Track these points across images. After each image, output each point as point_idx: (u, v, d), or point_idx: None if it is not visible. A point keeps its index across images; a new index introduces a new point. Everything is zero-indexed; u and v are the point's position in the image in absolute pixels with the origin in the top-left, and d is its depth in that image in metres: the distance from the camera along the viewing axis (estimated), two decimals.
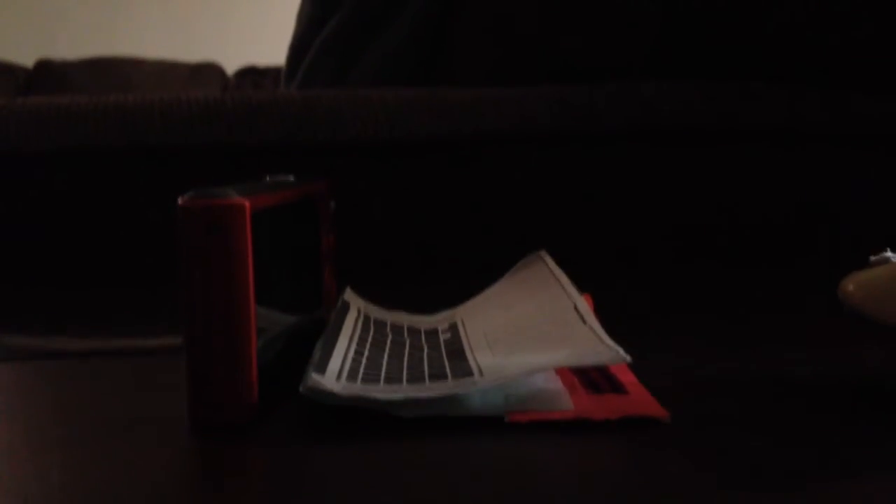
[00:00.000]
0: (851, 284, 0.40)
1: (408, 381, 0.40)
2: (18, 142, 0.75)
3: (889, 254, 0.41)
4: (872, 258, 0.41)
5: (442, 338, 0.49)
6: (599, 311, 0.46)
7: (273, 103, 0.78)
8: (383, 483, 0.31)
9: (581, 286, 0.50)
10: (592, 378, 0.42)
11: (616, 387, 0.41)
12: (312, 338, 0.45)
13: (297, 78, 0.99)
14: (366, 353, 0.44)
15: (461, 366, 0.42)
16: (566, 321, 0.46)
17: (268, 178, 0.49)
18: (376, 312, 0.54)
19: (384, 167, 0.78)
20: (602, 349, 0.40)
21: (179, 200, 0.36)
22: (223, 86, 3.42)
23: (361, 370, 0.41)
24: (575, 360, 0.40)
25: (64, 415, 0.40)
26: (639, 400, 0.39)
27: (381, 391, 0.38)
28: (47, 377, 0.47)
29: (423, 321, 0.54)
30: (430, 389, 0.38)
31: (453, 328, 0.51)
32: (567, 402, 0.38)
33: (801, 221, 0.82)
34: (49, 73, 3.32)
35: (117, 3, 3.69)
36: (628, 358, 0.39)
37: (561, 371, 0.42)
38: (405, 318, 0.54)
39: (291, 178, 0.49)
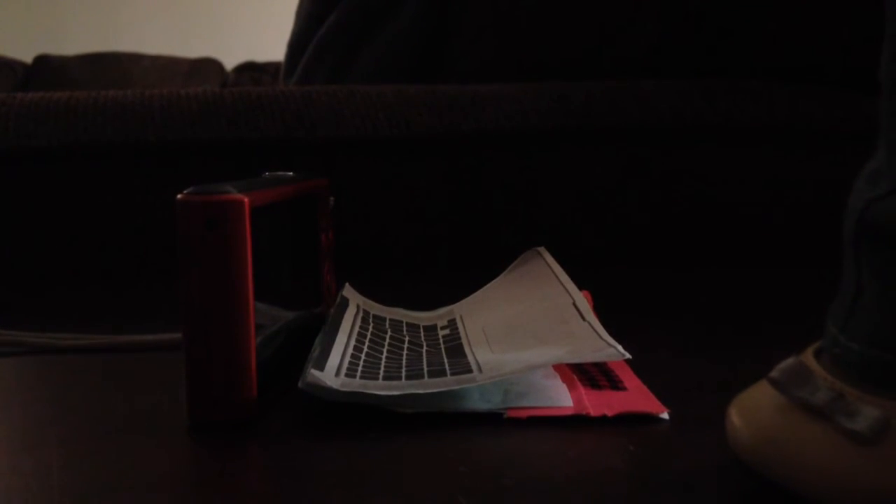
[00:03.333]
0: (736, 414, 0.29)
1: (407, 377, 0.40)
2: (17, 137, 0.75)
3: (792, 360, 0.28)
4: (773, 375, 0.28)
5: (441, 334, 0.49)
6: (598, 309, 0.46)
7: (272, 99, 0.78)
8: (382, 479, 0.31)
9: (580, 284, 0.50)
10: (591, 374, 0.42)
11: (615, 383, 0.41)
12: (311, 334, 0.45)
13: (296, 74, 0.99)
14: (364, 349, 0.44)
15: (460, 362, 0.42)
16: (565, 318, 0.46)
17: (267, 174, 0.49)
18: (375, 309, 0.54)
19: (383, 163, 0.78)
20: (601, 346, 0.40)
21: (178, 196, 0.36)
22: (222, 81, 3.42)
23: (360, 366, 0.41)
24: (574, 357, 0.40)
25: (63, 411, 0.40)
26: (638, 397, 0.39)
27: (380, 387, 0.38)
28: (47, 372, 0.47)
29: (422, 317, 0.54)
30: (429, 385, 0.38)
31: (452, 324, 0.51)
32: (566, 399, 0.38)
33: (802, 221, 0.82)
34: (48, 69, 3.32)
35: None
36: (627, 355, 0.39)
37: (560, 367, 0.42)
38: (404, 315, 0.54)
39: (290, 174, 0.49)
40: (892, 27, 0.29)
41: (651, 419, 0.37)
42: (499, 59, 0.90)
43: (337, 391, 0.37)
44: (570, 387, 0.40)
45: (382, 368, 0.41)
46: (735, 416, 0.29)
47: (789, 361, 0.29)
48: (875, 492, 0.25)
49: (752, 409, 0.28)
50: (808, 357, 0.29)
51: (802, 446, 0.26)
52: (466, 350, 0.45)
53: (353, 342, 0.44)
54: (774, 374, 0.28)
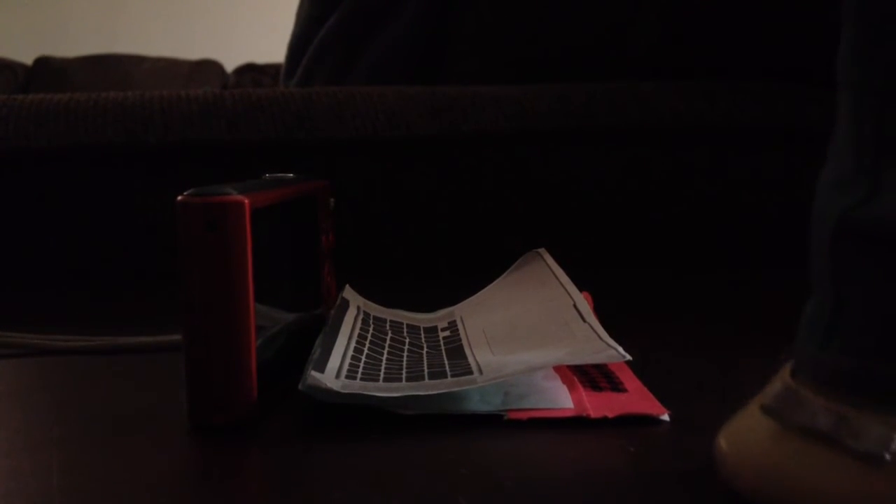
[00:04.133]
0: (728, 446, 0.28)
1: (407, 378, 0.40)
2: (17, 139, 0.75)
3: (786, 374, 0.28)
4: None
5: (441, 335, 0.49)
6: (599, 310, 0.46)
7: (273, 101, 0.78)
8: (383, 481, 0.31)
9: (580, 285, 0.50)
10: (591, 376, 0.42)
11: (615, 385, 0.41)
12: (312, 335, 0.45)
13: (296, 75, 0.99)
14: (365, 350, 0.44)
15: (460, 363, 0.42)
16: (565, 319, 0.46)
17: (267, 176, 0.49)
18: (375, 310, 0.54)
19: (383, 164, 0.78)
20: (601, 347, 0.40)
21: (179, 197, 0.36)
22: (223, 83, 3.42)
23: (361, 368, 0.41)
24: (574, 358, 0.40)
25: (64, 412, 0.40)
26: (638, 398, 0.39)
27: (381, 389, 0.38)
28: (47, 374, 0.47)
29: (423, 319, 0.54)
30: (429, 387, 0.38)
31: (452, 326, 0.51)
32: (566, 400, 0.38)
33: (802, 221, 0.82)
34: (48, 71, 3.32)
35: (117, 1, 3.68)
36: (627, 356, 0.39)
37: (560, 369, 0.42)
38: (404, 316, 0.54)
39: (291, 175, 0.49)
40: (848, 28, 0.28)
41: (651, 421, 0.37)
42: (499, 60, 0.90)
43: (337, 393, 0.37)
44: (571, 388, 0.40)
45: (383, 370, 0.41)
46: (728, 448, 0.28)
47: (778, 386, 0.28)
48: None
49: (746, 440, 0.27)
50: (787, 379, 0.28)
51: (808, 474, 0.25)
52: (467, 351, 0.44)
53: (353, 344, 0.44)
54: (768, 401, 0.27)
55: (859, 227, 0.26)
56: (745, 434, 0.27)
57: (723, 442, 0.28)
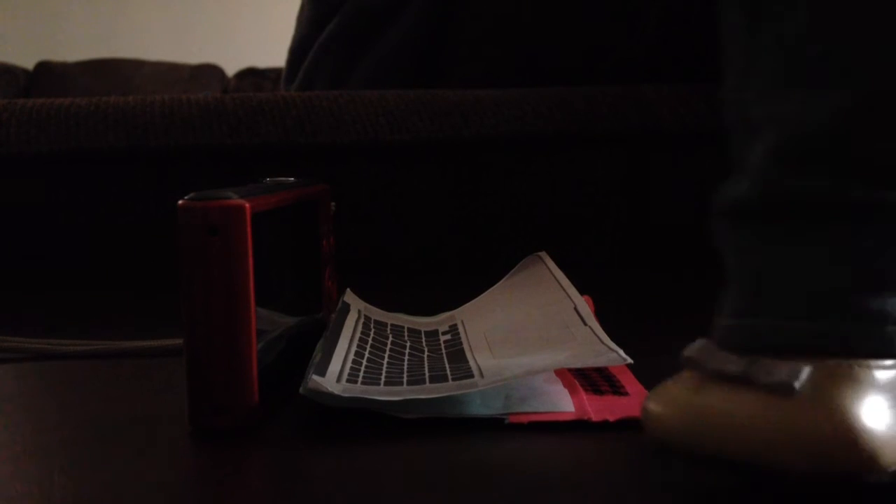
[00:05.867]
0: (656, 404, 0.30)
1: (408, 382, 0.40)
2: (19, 143, 0.75)
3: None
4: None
5: (442, 339, 0.49)
6: (600, 313, 0.46)
7: (273, 105, 0.78)
8: (384, 485, 0.31)
9: (581, 288, 0.50)
10: (593, 379, 0.42)
11: (617, 388, 0.41)
12: (313, 339, 0.45)
13: (297, 79, 0.99)
14: (366, 354, 0.44)
15: (461, 367, 0.42)
16: (566, 323, 0.46)
17: (268, 180, 0.49)
18: (376, 314, 0.54)
19: (384, 168, 0.78)
20: (602, 351, 0.40)
21: (180, 202, 0.36)
22: (223, 87, 3.42)
23: (362, 372, 0.41)
24: (575, 362, 0.40)
25: (65, 416, 0.40)
26: (639, 402, 0.39)
27: (382, 392, 0.38)
28: (49, 378, 0.47)
29: (424, 322, 0.54)
30: (430, 391, 0.38)
31: (453, 329, 0.51)
32: (567, 404, 0.38)
33: None
34: (49, 75, 3.32)
35: (118, 5, 3.69)
36: (629, 359, 0.39)
37: (561, 372, 0.42)
38: (405, 320, 0.54)
39: (292, 179, 0.49)
40: (730, 49, 0.31)
41: None
42: (500, 64, 0.90)
43: (338, 397, 0.37)
44: (572, 392, 0.40)
45: (384, 374, 0.41)
46: (655, 407, 0.30)
47: (697, 342, 0.31)
48: (804, 436, 0.27)
49: (671, 398, 0.30)
50: (703, 339, 0.31)
51: (728, 412, 0.28)
52: (468, 355, 0.44)
53: (354, 348, 0.44)
54: (688, 353, 0.30)
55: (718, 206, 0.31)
56: (670, 395, 0.30)
57: (650, 404, 0.31)
